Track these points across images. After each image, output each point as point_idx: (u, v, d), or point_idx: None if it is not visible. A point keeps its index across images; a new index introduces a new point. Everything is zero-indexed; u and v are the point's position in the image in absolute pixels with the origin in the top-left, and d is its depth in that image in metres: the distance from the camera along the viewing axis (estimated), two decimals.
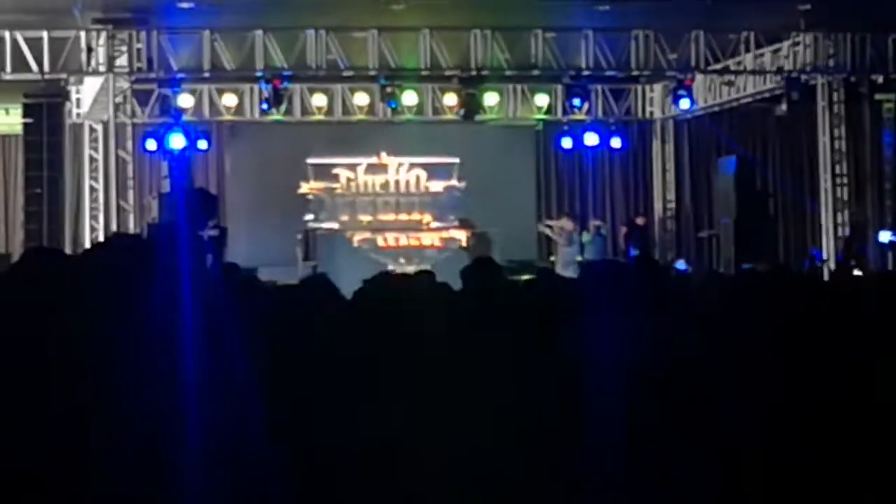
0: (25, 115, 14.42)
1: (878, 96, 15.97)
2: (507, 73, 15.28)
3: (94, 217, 14.90)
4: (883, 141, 16.37)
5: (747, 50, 15.34)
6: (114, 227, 14.20)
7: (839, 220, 15.28)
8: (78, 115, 15.34)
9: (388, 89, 15.33)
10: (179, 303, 1.84)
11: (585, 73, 15.09)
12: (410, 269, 13.84)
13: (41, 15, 13.61)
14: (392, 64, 14.75)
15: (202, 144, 15.77)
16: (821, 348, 2.88)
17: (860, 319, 3.21)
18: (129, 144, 15.12)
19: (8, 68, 13.96)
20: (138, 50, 14.22)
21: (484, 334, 3.28)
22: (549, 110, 17.09)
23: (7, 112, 16.37)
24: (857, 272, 14.34)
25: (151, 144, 15.24)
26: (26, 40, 13.88)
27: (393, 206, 17.40)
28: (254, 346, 2.70)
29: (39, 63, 13.88)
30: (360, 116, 16.71)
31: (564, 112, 16.57)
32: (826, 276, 14.24)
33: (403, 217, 17.19)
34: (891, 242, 14.89)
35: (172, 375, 1.78)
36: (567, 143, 16.82)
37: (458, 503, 2.70)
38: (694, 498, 2.60)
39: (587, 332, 2.96)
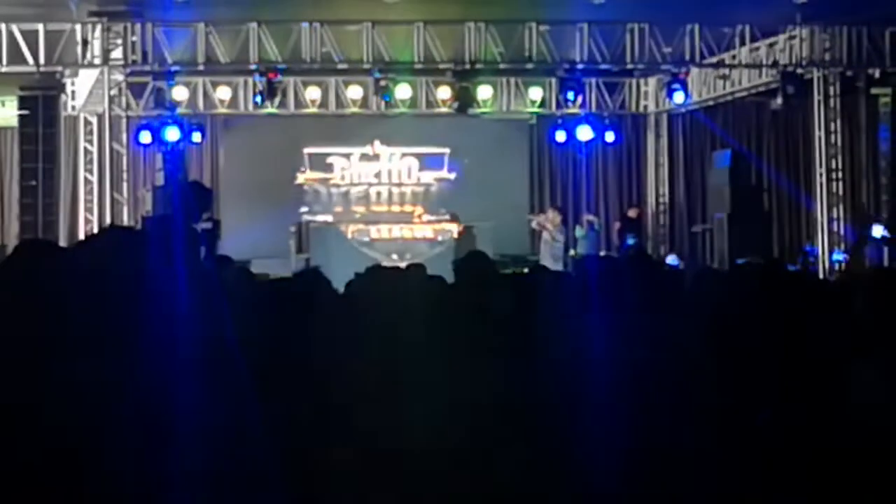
0: (21, 107, 14.41)
1: (874, 90, 15.93)
2: (501, 66, 15.26)
3: (88, 209, 14.91)
4: (879, 135, 16.34)
5: (742, 43, 15.30)
6: (108, 220, 14.20)
7: (834, 214, 15.26)
8: (73, 107, 15.33)
9: (382, 82, 15.31)
10: (173, 295, 1.84)
11: (579, 66, 15.08)
12: (402, 264, 13.83)
13: (37, 8, 13.59)
14: (386, 57, 14.74)
15: (196, 137, 15.75)
16: (815, 344, 2.89)
17: (855, 315, 3.22)
18: (124, 137, 15.13)
19: (4, 61, 13.94)
20: (133, 43, 14.20)
21: (475, 328, 3.29)
22: (542, 104, 17.07)
23: (3, 104, 16.32)
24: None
25: (146, 137, 15.21)
26: (22, 33, 13.86)
27: (386, 197, 17.45)
28: (248, 338, 2.70)
29: (35, 55, 13.86)
30: (354, 109, 16.70)
31: (558, 105, 16.55)
32: (819, 273, 14.27)
33: (396, 209, 17.25)
34: (883, 238, 14.90)
35: (166, 368, 1.78)
36: (561, 136, 16.80)
37: (453, 498, 2.71)
38: (691, 496, 2.62)
39: (580, 328, 2.97)
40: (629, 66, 15.59)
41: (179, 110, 15.35)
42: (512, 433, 2.77)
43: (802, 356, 2.79)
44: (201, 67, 14.87)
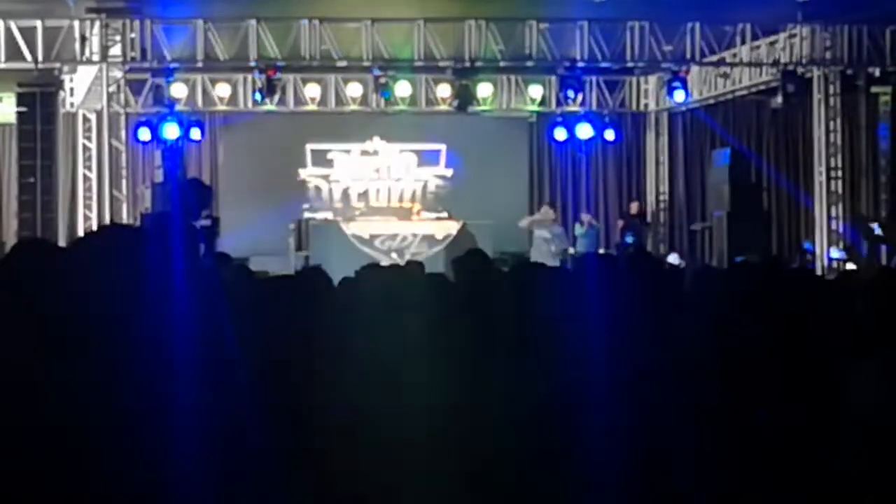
0: (19, 104, 14.37)
1: (874, 89, 15.93)
2: (501, 64, 15.24)
3: (87, 206, 14.88)
4: (879, 134, 16.34)
5: (743, 42, 15.29)
6: (107, 217, 14.18)
7: (833, 213, 15.26)
8: (71, 104, 15.29)
9: (382, 80, 15.30)
10: (172, 293, 1.83)
11: (580, 64, 15.07)
12: (402, 262, 13.81)
13: (35, 4, 13.57)
14: (385, 55, 14.72)
15: (195, 134, 15.73)
16: (816, 343, 2.88)
17: (857, 314, 3.21)
18: (123, 134, 15.10)
19: (2, 57, 13.92)
20: (132, 39, 14.18)
21: (474, 326, 3.28)
22: (542, 102, 17.06)
23: (1, 101, 16.30)
24: (850, 266, 14.38)
25: (145, 134, 15.19)
26: (20, 29, 13.83)
27: (385, 194, 17.47)
28: (247, 336, 2.69)
29: (33, 52, 13.84)
30: (354, 107, 16.69)
31: (558, 103, 16.53)
32: (818, 271, 14.26)
33: (395, 205, 17.28)
34: (877, 236, 14.93)
35: (165, 366, 1.77)
36: (561, 134, 16.78)
37: (452, 495, 2.71)
38: (690, 493, 2.61)
39: (579, 327, 2.96)
40: (629, 65, 15.58)
41: (178, 107, 15.32)
42: (511, 431, 2.76)
43: (804, 354, 2.78)
44: (200, 64, 14.85)
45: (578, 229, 16.15)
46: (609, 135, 17.01)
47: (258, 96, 15.43)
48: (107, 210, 14.42)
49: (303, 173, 17.34)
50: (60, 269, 1.87)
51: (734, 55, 15.62)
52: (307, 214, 16.56)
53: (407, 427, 2.73)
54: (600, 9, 14.28)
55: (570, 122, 16.64)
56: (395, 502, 2.66)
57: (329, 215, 16.78)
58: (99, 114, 14.74)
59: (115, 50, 14.16)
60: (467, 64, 14.88)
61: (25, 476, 1.62)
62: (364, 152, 17.46)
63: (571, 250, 15.63)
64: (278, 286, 3.35)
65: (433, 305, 3.39)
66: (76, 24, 13.92)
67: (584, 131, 16.48)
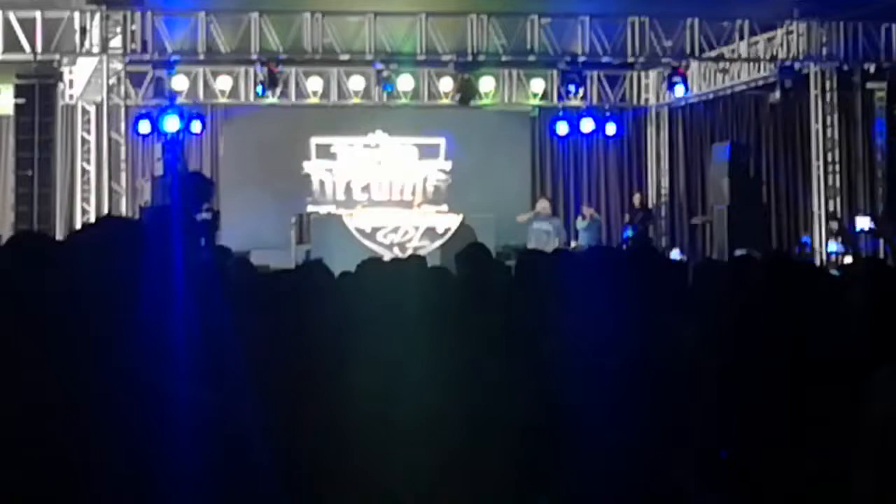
0: (17, 95, 14.30)
1: (870, 85, 16.00)
2: (503, 58, 15.23)
3: (85, 199, 14.83)
4: (874, 129, 16.39)
5: (741, 38, 15.35)
6: (106, 210, 14.13)
7: (830, 207, 15.34)
8: (71, 96, 15.23)
9: (384, 73, 15.28)
10: (172, 286, 1.81)
11: (581, 59, 15.07)
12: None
13: None
14: (388, 48, 14.69)
15: (196, 127, 15.69)
16: (822, 339, 2.86)
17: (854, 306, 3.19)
18: (123, 126, 15.04)
19: (0, 49, 13.86)
20: (132, 31, 14.13)
21: (475, 320, 3.27)
22: (544, 96, 17.06)
23: None
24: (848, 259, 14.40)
25: (145, 126, 15.14)
26: (19, 20, 13.77)
27: (387, 187, 17.48)
28: (247, 329, 2.68)
29: (32, 43, 13.78)
30: (356, 100, 16.66)
31: (560, 98, 16.55)
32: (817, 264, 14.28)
33: (396, 198, 17.28)
34: (870, 230, 14.97)
35: (164, 360, 1.76)
36: (562, 128, 16.79)
37: (452, 490, 2.69)
38: (691, 489, 2.60)
39: (580, 321, 2.95)
40: (630, 60, 15.59)
41: (179, 100, 15.28)
42: (513, 424, 2.75)
43: (810, 351, 2.77)
44: (202, 57, 14.80)
45: (580, 223, 16.15)
46: (610, 129, 17.01)
47: (260, 89, 15.40)
48: (105, 203, 14.37)
49: (307, 167, 17.34)
50: (57, 261, 1.86)
51: (733, 51, 15.66)
52: (311, 208, 16.56)
53: (408, 420, 2.72)
54: (601, 4, 14.28)
55: (571, 116, 16.64)
56: (396, 494, 2.65)
57: (332, 209, 16.77)
58: (98, 106, 14.69)
59: (116, 42, 14.10)
60: (469, 58, 14.86)
61: (21, 471, 1.60)
62: (366, 146, 17.47)
63: (573, 244, 15.63)
64: (279, 280, 3.34)
65: (435, 299, 3.38)
66: (76, 15, 13.86)
67: (586, 125, 16.48)
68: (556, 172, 18.28)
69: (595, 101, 17.18)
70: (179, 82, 15.26)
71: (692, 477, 2.67)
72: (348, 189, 17.45)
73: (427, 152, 17.57)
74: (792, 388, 2.79)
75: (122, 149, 15.09)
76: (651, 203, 17.89)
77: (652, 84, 17.81)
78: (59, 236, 12.54)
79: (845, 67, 15.31)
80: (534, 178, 18.12)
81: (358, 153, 17.51)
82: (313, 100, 16.65)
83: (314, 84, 16.53)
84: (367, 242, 15.05)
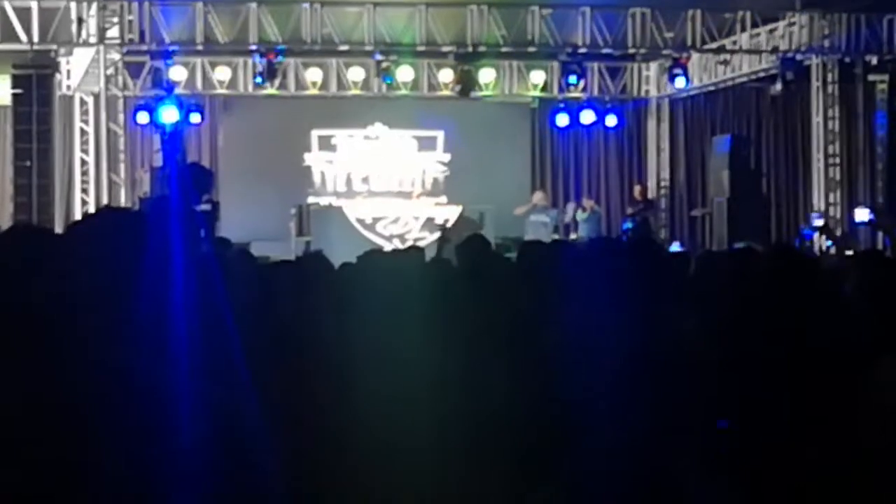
0: (14, 86, 14.24)
1: (871, 77, 15.99)
2: (503, 49, 15.19)
3: (84, 191, 14.79)
4: (875, 122, 16.38)
5: (743, 29, 15.32)
6: (105, 201, 14.10)
7: (830, 199, 15.33)
8: (68, 86, 15.18)
9: (384, 64, 15.23)
10: (172, 278, 1.79)
11: (582, 50, 15.03)
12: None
13: None
14: (387, 39, 14.65)
15: (195, 118, 15.65)
16: (819, 328, 2.85)
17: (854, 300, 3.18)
18: (121, 117, 15.00)
19: None
20: (130, 21, 14.07)
21: (475, 311, 3.25)
22: (544, 87, 17.03)
23: None
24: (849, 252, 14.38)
25: (143, 117, 15.11)
26: (15, 10, 13.71)
27: (387, 178, 17.47)
28: (248, 320, 2.66)
29: (28, 33, 13.71)
30: (355, 91, 16.62)
31: (560, 89, 16.52)
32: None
33: (395, 189, 17.28)
34: (870, 221, 14.96)
35: (163, 353, 1.74)
36: (562, 120, 16.76)
37: (452, 482, 2.68)
38: (691, 480, 2.58)
39: (582, 312, 2.94)
40: (631, 51, 15.55)
41: (177, 91, 15.24)
42: (514, 416, 2.74)
43: (810, 342, 2.76)
44: (200, 47, 14.75)
45: (581, 215, 16.13)
46: (610, 121, 16.99)
47: (258, 80, 15.36)
48: (104, 194, 14.33)
49: (308, 158, 17.31)
50: (55, 253, 1.84)
51: (734, 42, 15.63)
52: (311, 199, 16.54)
53: (408, 412, 2.71)
54: None
55: (571, 107, 16.61)
56: (397, 487, 2.64)
57: (332, 200, 16.76)
58: (96, 97, 14.63)
59: (113, 32, 14.04)
60: (469, 49, 14.82)
61: (20, 470, 1.59)
62: (367, 137, 17.46)
63: (573, 235, 15.62)
64: (279, 271, 3.31)
65: (436, 290, 3.37)
66: (73, 5, 13.80)
67: (586, 117, 16.45)
68: (556, 164, 18.25)
69: (595, 92, 17.15)
70: (177, 73, 15.21)
71: (693, 468, 2.65)
72: (349, 181, 17.44)
73: (426, 144, 17.56)
74: (793, 379, 2.78)
75: (121, 140, 15.05)
76: (651, 195, 17.88)
77: (653, 76, 17.78)
78: (58, 227, 12.53)
79: (847, 59, 15.31)
80: (533, 170, 18.10)
81: (358, 145, 17.50)
82: (312, 91, 16.61)
83: (313, 75, 16.49)
84: (367, 234, 15.03)
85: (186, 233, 1.98)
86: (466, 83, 15.37)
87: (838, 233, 15.08)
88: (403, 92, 16.33)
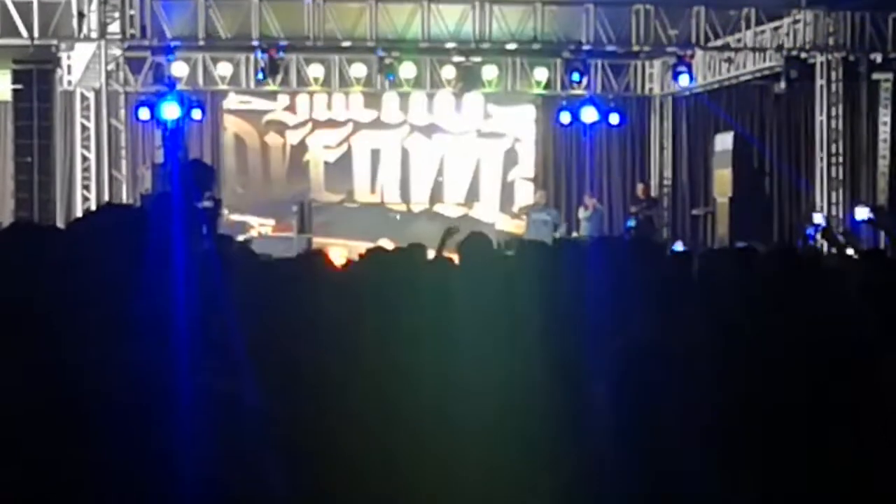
0: (15, 81, 14.22)
1: (875, 75, 15.96)
2: (507, 46, 15.17)
3: (85, 187, 14.76)
4: (880, 120, 16.35)
5: (747, 27, 15.29)
6: (106, 198, 14.07)
7: (833, 198, 15.30)
8: (69, 82, 15.14)
9: (386, 61, 15.22)
10: (173, 275, 1.78)
11: (585, 47, 15.00)
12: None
13: None
14: (390, 35, 14.63)
15: (196, 114, 15.64)
16: (825, 327, 2.83)
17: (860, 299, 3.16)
18: (122, 113, 14.97)
19: None
20: (131, 16, 14.03)
21: (477, 309, 3.24)
22: (547, 85, 17.00)
23: None
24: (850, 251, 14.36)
25: (144, 113, 15.08)
26: (15, 4, 13.68)
27: (391, 175, 17.49)
28: (249, 317, 2.65)
29: (29, 28, 13.69)
30: (357, 88, 16.60)
31: (563, 87, 16.50)
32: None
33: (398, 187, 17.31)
34: (869, 220, 14.95)
35: (164, 349, 1.73)
36: (565, 117, 16.74)
37: (452, 478, 2.67)
38: (693, 484, 2.57)
39: (583, 310, 2.92)
40: (635, 49, 15.52)
41: (179, 86, 15.22)
42: (514, 413, 2.73)
43: (817, 342, 2.74)
44: (201, 43, 14.73)
45: (583, 213, 16.12)
46: (614, 119, 16.96)
47: (260, 76, 15.34)
48: (106, 191, 14.30)
49: (308, 154, 17.32)
50: (57, 249, 1.83)
51: (738, 40, 15.60)
52: (312, 196, 16.55)
53: (412, 409, 2.70)
54: None
55: (574, 105, 16.59)
56: (397, 481, 2.63)
57: (335, 197, 16.76)
58: (97, 92, 14.60)
59: (114, 27, 14.00)
60: (472, 46, 14.79)
61: (20, 462, 1.57)
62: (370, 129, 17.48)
63: (575, 234, 15.61)
64: (282, 267, 3.30)
65: (438, 287, 3.36)
66: None
67: (589, 115, 16.43)
68: (558, 162, 18.23)
69: (599, 90, 17.13)
70: (179, 68, 15.19)
71: (701, 468, 2.64)
72: (352, 178, 17.44)
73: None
74: (794, 380, 2.76)
75: (123, 136, 15.03)
76: (654, 193, 17.86)
77: (656, 73, 17.76)
78: (59, 224, 12.51)
79: (851, 58, 15.26)
80: (536, 167, 18.08)
81: (360, 139, 17.49)
82: (314, 87, 16.60)
83: (315, 71, 16.47)
84: (369, 230, 15.03)
85: (188, 229, 1.97)
86: (469, 80, 15.35)
87: (841, 238, 15.04)
88: (406, 89, 16.31)
